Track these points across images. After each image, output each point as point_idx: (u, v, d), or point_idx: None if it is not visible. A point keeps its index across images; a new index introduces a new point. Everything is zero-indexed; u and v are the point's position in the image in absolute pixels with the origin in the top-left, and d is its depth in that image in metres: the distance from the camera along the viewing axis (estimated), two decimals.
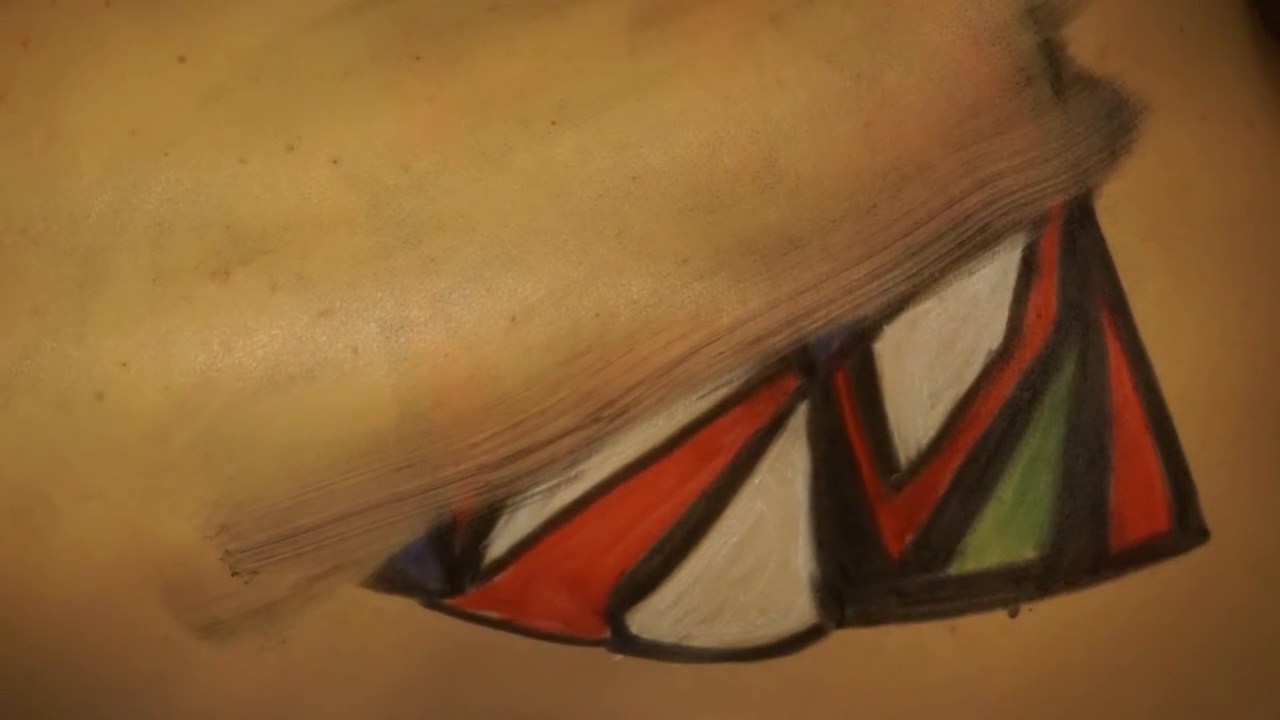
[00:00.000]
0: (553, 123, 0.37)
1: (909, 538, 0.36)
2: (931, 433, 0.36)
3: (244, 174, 0.37)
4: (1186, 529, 0.35)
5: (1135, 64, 0.37)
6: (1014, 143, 0.36)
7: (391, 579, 0.37)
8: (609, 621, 0.37)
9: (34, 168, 0.37)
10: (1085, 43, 0.37)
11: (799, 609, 0.37)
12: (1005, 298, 0.36)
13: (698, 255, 0.36)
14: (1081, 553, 0.35)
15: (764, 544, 0.36)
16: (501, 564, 0.37)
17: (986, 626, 0.36)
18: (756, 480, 0.36)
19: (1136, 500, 0.35)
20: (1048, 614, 0.36)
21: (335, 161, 0.37)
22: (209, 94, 0.38)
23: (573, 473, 0.36)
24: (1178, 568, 0.35)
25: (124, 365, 0.36)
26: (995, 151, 0.36)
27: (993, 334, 0.36)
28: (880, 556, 0.36)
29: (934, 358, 0.36)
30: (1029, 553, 0.36)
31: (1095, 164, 0.36)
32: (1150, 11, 0.37)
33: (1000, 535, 0.36)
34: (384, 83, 0.37)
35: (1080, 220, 0.36)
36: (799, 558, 0.36)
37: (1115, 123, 0.36)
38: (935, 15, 0.36)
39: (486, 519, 0.36)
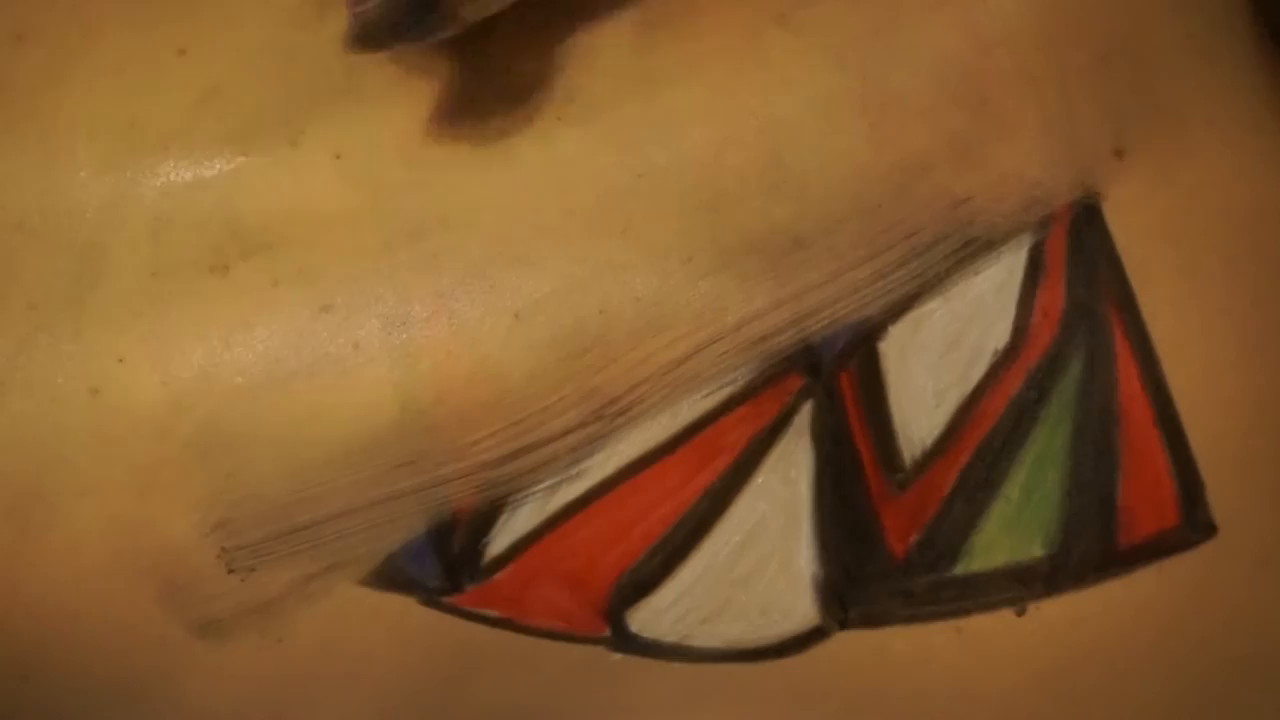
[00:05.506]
0: (558, 119, 0.37)
1: (913, 538, 0.36)
2: (936, 432, 0.36)
3: (245, 169, 0.37)
4: (1194, 525, 0.35)
5: (1141, 69, 0.37)
6: (1019, 143, 0.36)
7: (390, 577, 0.36)
8: (609, 620, 0.37)
9: (31, 161, 0.37)
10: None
11: (801, 610, 0.36)
12: (1011, 297, 0.36)
13: (703, 253, 0.36)
14: (1089, 550, 0.35)
15: (766, 544, 0.36)
16: (501, 562, 0.36)
17: (993, 626, 0.36)
18: (760, 480, 0.36)
19: (1144, 497, 0.35)
20: (1055, 612, 0.36)
21: (338, 157, 0.37)
22: (210, 88, 0.37)
23: (574, 471, 0.36)
24: (1185, 564, 0.35)
25: (121, 360, 0.36)
26: (1000, 152, 0.36)
27: (998, 333, 0.36)
28: (884, 557, 0.36)
29: (939, 357, 0.36)
30: (1037, 551, 0.35)
31: (1101, 165, 0.36)
32: (1157, 17, 0.37)
33: (1007, 534, 0.36)
34: (387, 78, 0.37)
35: (1087, 220, 0.36)
36: (802, 558, 0.36)
37: (1120, 124, 0.37)
38: (941, 16, 0.36)
39: (487, 517, 0.36)
